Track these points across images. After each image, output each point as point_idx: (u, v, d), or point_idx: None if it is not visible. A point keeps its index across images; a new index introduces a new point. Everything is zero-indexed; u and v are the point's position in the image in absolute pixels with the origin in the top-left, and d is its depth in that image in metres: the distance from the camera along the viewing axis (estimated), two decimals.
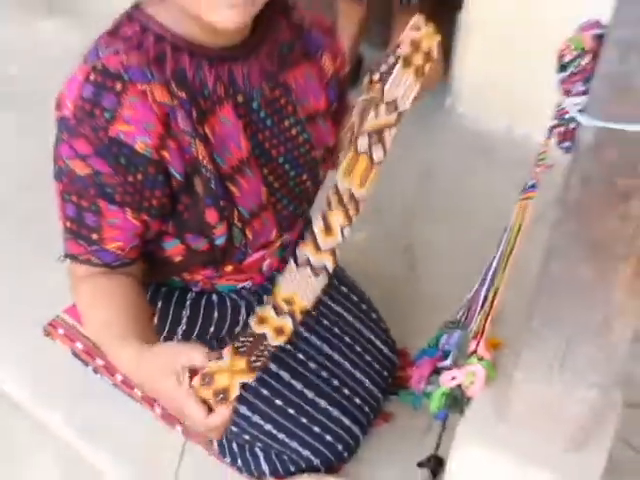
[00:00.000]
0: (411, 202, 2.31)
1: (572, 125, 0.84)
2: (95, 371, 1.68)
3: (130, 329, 1.11)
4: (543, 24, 2.18)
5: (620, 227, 0.83)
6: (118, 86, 1.06)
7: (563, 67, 0.80)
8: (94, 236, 1.13)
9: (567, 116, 0.84)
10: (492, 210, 1.14)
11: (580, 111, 0.80)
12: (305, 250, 1.10)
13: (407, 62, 1.15)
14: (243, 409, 1.37)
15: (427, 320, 1.31)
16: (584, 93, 0.80)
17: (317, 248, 1.10)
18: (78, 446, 1.60)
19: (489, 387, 1.17)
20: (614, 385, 1.03)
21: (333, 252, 1.11)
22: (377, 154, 1.12)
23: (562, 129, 0.85)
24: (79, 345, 1.72)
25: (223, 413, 1.01)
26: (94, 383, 1.68)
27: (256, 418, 1.37)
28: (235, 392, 1.02)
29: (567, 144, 0.86)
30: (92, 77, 1.06)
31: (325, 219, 1.10)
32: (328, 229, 1.10)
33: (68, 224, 1.15)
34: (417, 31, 1.19)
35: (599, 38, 0.77)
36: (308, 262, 1.10)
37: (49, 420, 1.65)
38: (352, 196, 1.11)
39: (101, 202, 1.10)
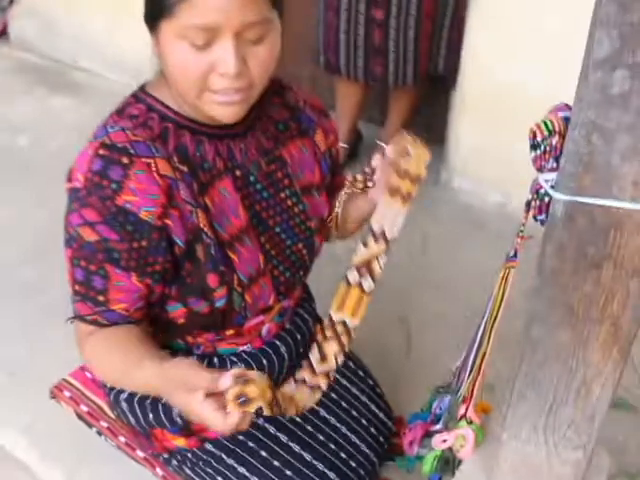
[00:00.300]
0: (406, 274, 2.38)
1: (546, 199, 0.91)
2: (99, 433, 1.71)
3: (146, 356, 1.19)
4: (536, 101, 2.30)
5: (593, 293, 0.90)
6: (125, 159, 1.15)
7: (535, 146, 0.89)
8: (101, 298, 1.20)
9: (541, 191, 0.91)
10: (484, 283, 1.20)
11: (552, 186, 0.88)
12: (302, 373, 1.19)
13: (394, 191, 1.17)
14: (242, 470, 1.40)
15: (423, 388, 1.37)
16: (555, 169, 0.88)
17: (313, 372, 1.19)
18: None
19: (479, 448, 1.21)
20: (594, 447, 1.07)
21: (327, 375, 1.20)
22: (367, 284, 1.18)
23: (537, 203, 0.93)
24: (84, 408, 1.76)
25: (240, 416, 1.04)
26: (98, 445, 1.71)
27: (255, 479, 1.41)
28: (258, 403, 1.04)
29: (542, 217, 0.94)
30: (101, 152, 1.16)
31: (320, 349, 1.19)
32: (323, 358, 1.19)
33: (77, 287, 1.21)
34: (405, 156, 1.17)
35: (567, 120, 0.86)
36: (304, 382, 1.19)
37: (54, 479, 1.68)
38: (345, 326, 1.19)
39: (108, 266, 1.17)
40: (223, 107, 1.15)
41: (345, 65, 2.64)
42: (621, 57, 0.75)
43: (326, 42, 2.65)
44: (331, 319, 1.18)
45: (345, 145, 2.93)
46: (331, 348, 1.19)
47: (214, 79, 1.12)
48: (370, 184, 1.28)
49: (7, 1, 3.94)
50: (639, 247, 0.84)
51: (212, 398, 1.03)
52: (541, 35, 2.32)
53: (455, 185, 2.83)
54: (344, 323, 1.18)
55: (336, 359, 1.19)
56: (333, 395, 1.55)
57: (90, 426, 1.74)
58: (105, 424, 1.72)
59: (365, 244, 1.17)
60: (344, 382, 1.58)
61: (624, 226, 0.83)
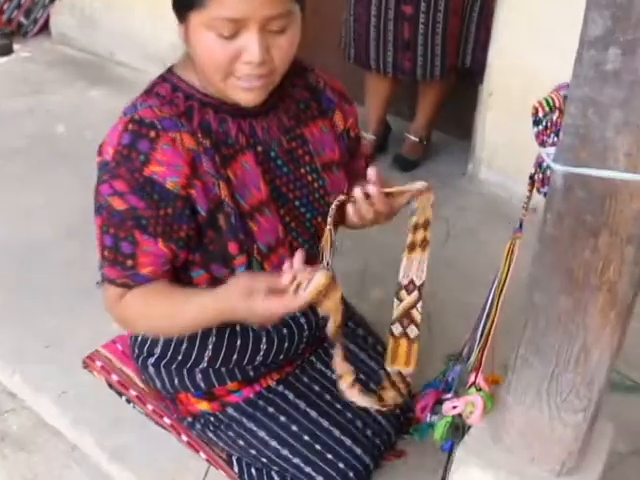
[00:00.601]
0: (430, 259, 2.43)
1: (548, 172, 0.98)
2: (128, 401, 1.81)
3: (191, 292, 1.33)
4: None
5: (591, 259, 0.96)
6: (152, 134, 1.24)
7: (537, 122, 0.95)
8: (129, 262, 1.29)
9: (543, 165, 0.98)
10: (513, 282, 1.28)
11: (552, 159, 0.94)
12: None
13: (411, 247, 1.31)
14: (262, 434, 1.49)
15: (440, 367, 1.42)
16: (556, 144, 0.94)
17: None
18: (108, 467, 1.72)
19: (488, 415, 1.27)
20: (595, 412, 1.13)
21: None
22: (412, 332, 1.33)
23: (540, 176, 0.99)
24: (114, 377, 1.86)
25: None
26: (127, 412, 1.80)
27: (274, 443, 1.48)
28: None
29: (545, 189, 1.00)
30: (130, 127, 1.25)
31: (380, 397, 1.35)
32: (382, 404, 1.35)
33: (106, 253, 1.31)
34: (414, 215, 1.29)
35: (566, 97, 0.91)
36: None
37: (84, 444, 1.78)
38: (401, 376, 1.35)
39: (136, 233, 1.27)
40: (245, 92, 1.24)
41: (375, 59, 2.71)
42: (613, 36, 0.81)
43: (356, 36, 2.71)
44: (387, 372, 1.35)
45: (374, 137, 3.00)
46: (391, 396, 1.36)
47: (239, 66, 1.21)
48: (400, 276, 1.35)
49: None
50: (633, 215, 0.90)
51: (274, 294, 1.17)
52: (568, 30, 2.36)
53: (482, 177, 2.87)
54: (399, 373, 1.35)
55: (395, 403, 1.37)
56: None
57: (120, 394, 1.84)
58: (134, 392, 1.82)
59: (399, 299, 1.31)
60: (363, 356, 1.65)
61: (618, 195, 0.89)
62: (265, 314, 1.20)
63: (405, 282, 1.31)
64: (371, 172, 1.27)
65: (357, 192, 1.26)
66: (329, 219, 1.26)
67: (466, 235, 2.60)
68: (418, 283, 1.31)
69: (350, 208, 1.29)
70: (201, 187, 1.28)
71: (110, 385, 1.86)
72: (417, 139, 3.00)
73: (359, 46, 2.72)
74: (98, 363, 1.90)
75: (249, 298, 1.18)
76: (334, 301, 1.19)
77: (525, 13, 2.50)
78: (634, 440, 1.76)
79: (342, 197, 1.28)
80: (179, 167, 1.25)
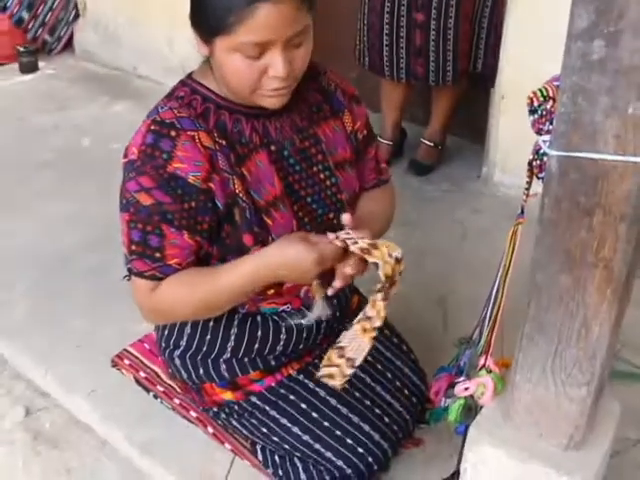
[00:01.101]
0: (446, 260, 2.50)
1: (545, 158, 1.04)
2: (155, 397, 1.89)
3: (225, 266, 1.41)
4: None
5: (587, 239, 1.02)
6: (173, 133, 1.34)
7: (533, 111, 1.02)
8: (157, 254, 1.37)
9: (540, 151, 1.04)
10: (520, 268, 1.33)
11: (548, 145, 1.01)
12: None
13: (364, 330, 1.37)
14: (284, 421, 1.56)
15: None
16: (551, 131, 1.01)
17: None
18: (138, 461, 1.79)
19: (499, 396, 1.33)
20: (602, 385, 1.18)
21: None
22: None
23: (538, 162, 1.06)
24: (142, 374, 1.94)
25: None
26: (154, 407, 1.88)
27: (296, 429, 1.55)
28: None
29: (543, 175, 1.06)
30: (152, 127, 1.35)
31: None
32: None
33: (133, 247, 1.39)
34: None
35: (559, 87, 0.98)
36: None
37: (114, 439, 1.85)
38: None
39: (164, 226, 1.35)
40: (271, 99, 1.35)
41: (388, 66, 2.79)
42: (597, 28, 0.88)
43: (370, 44, 2.80)
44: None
45: (390, 143, 3.07)
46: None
47: (265, 80, 1.31)
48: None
49: (72, 15, 4.21)
50: (624, 194, 0.96)
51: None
52: None
53: (496, 179, 2.93)
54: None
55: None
56: (369, 358, 1.67)
57: (148, 391, 1.91)
58: (161, 388, 1.89)
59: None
60: (380, 347, 1.72)
61: (610, 176, 0.96)
62: (316, 257, 1.32)
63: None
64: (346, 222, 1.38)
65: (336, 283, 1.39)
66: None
67: (481, 236, 2.66)
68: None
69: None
70: (219, 181, 1.37)
71: (138, 382, 1.94)
72: (432, 144, 3.07)
73: (373, 54, 2.80)
74: (126, 361, 1.99)
75: (299, 245, 1.33)
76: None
77: (533, 17, 2.57)
78: None
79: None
80: (199, 163, 1.34)
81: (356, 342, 1.37)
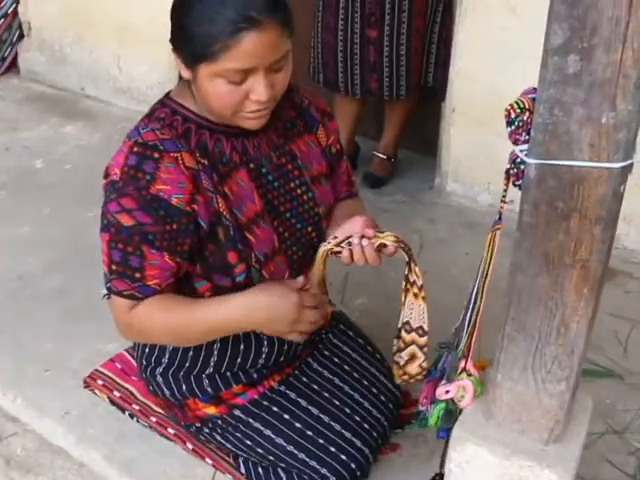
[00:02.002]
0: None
1: (522, 167, 1.10)
2: (131, 416, 1.89)
3: (206, 301, 1.46)
4: None
5: (564, 241, 1.09)
6: (156, 155, 1.36)
7: (510, 123, 1.08)
8: (137, 275, 1.39)
9: (517, 160, 1.10)
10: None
11: (526, 155, 1.07)
12: None
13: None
14: (268, 432, 1.58)
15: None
16: (527, 141, 1.07)
17: None
18: None
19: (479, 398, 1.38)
20: (578, 380, 1.25)
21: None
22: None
23: (515, 171, 1.12)
24: (116, 393, 1.93)
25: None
26: (131, 426, 1.88)
27: (280, 440, 1.57)
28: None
29: (520, 182, 1.12)
30: (135, 149, 1.37)
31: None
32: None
33: (114, 267, 1.40)
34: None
35: (534, 99, 1.05)
36: None
37: (92, 460, 1.84)
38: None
39: (144, 247, 1.37)
40: (252, 121, 1.39)
41: (343, 82, 2.85)
42: (572, 44, 0.95)
43: (324, 61, 2.85)
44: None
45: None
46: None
47: (248, 103, 1.35)
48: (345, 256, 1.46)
49: (17, 35, 4.15)
50: (599, 198, 1.03)
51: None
52: (520, 47, 2.52)
53: (448, 189, 3.02)
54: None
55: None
56: (346, 367, 1.73)
57: (123, 410, 1.91)
58: (137, 407, 1.89)
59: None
60: (355, 355, 1.76)
61: (585, 181, 1.02)
62: (299, 315, 1.41)
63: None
64: (363, 224, 1.42)
65: (355, 246, 1.40)
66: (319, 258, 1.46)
67: (439, 245, 2.74)
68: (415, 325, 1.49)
69: (346, 254, 1.42)
70: (203, 202, 1.39)
71: (112, 402, 1.93)
72: (385, 157, 3.14)
73: (327, 70, 2.85)
74: (99, 382, 1.98)
75: (283, 299, 1.39)
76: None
77: (481, 33, 2.68)
78: (609, 420, 1.89)
79: (330, 244, 1.44)
80: (183, 184, 1.36)
81: (415, 310, 1.46)
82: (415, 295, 1.46)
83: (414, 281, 1.45)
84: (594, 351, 2.04)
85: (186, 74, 1.36)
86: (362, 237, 1.40)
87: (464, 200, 2.99)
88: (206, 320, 1.42)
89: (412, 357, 1.49)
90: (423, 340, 1.48)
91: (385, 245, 1.42)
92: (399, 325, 1.49)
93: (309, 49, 2.92)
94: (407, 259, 1.44)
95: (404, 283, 1.46)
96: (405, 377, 1.53)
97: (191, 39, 1.30)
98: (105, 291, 1.48)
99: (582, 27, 0.93)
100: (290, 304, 1.39)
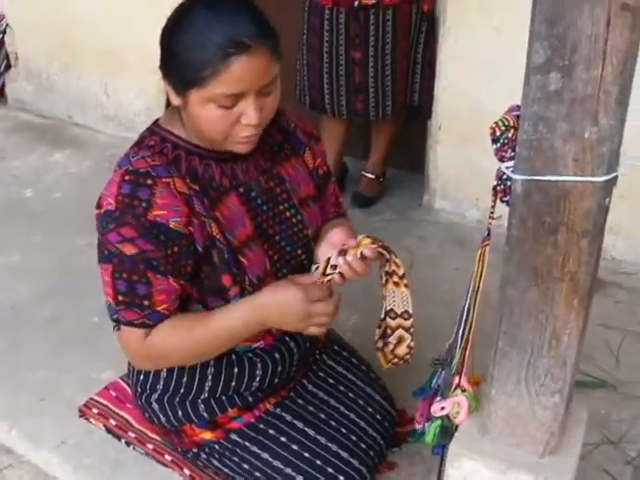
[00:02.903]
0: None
1: (508, 183, 1.12)
2: (128, 443, 1.88)
3: (218, 311, 1.46)
4: None
5: (552, 255, 1.10)
6: (149, 181, 1.37)
7: (496, 140, 1.10)
8: (146, 302, 1.39)
9: (504, 177, 1.12)
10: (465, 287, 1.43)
11: (512, 171, 1.09)
12: None
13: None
14: (265, 455, 1.57)
15: (420, 383, 1.54)
16: (513, 158, 1.09)
17: None
18: None
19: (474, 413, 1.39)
20: (572, 391, 1.26)
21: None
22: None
23: (502, 187, 1.14)
24: (112, 422, 1.93)
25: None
26: (128, 454, 1.87)
27: (277, 463, 1.56)
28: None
29: (507, 198, 1.14)
30: (127, 177, 1.38)
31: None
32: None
33: (120, 297, 1.40)
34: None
35: (518, 117, 1.07)
36: None
37: None
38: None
39: (150, 273, 1.37)
40: (242, 145, 1.41)
41: (329, 103, 2.87)
42: (553, 62, 0.97)
43: (310, 83, 2.88)
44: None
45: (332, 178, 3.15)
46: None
47: (239, 128, 1.37)
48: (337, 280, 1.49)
49: (3, 66, 4.17)
50: (584, 212, 1.05)
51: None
52: (503, 66, 2.56)
53: (437, 206, 3.05)
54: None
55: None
56: (341, 387, 1.73)
57: (119, 438, 1.90)
58: (133, 434, 1.89)
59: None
60: (350, 376, 1.77)
61: (571, 196, 1.04)
62: (306, 308, 1.41)
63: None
64: (340, 238, 1.47)
65: (343, 267, 1.43)
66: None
67: (429, 262, 2.75)
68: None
69: (337, 278, 1.45)
70: (198, 225, 1.40)
71: (108, 430, 1.92)
72: (373, 176, 3.16)
73: (314, 92, 2.88)
74: (94, 410, 1.97)
75: (292, 295, 1.40)
76: None
77: (463, 52, 2.71)
78: (603, 431, 1.90)
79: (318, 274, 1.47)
80: (178, 208, 1.37)
81: (397, 297, 1.50)
82: (396, 284, 1.49)
83: (393, 271, 1.47)
84: (586, 362, 2.06)
85: (176, 101, 1.37)
86: (340, 252, 1.42)
87: (453, 217, 3.01)
88: (226, 328, 1.44)
89: (400, 340, 1.53)
90: (409, 323, 1.52)
91: (365, 253, 1.44)
92: (382, 315, 1.52)
93: (295, 72, 2.94)
94: (387, 256, 1.46)
95: (382, 277, 1.49)
96: (395, 360, 1.56)
97: (181, 65, 1.31)
98: (96, 319, 1.48)
99: (562, 45, 0.95)
100: (296, 300, 1.40)
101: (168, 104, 1.45)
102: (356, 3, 2.67)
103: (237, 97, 1.31)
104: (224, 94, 1.30)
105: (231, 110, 1.33)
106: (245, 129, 1.36)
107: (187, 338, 1.43)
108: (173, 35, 1.33)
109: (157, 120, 1.50)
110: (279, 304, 1.41)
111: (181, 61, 1.31)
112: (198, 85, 1.30)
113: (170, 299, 1.41)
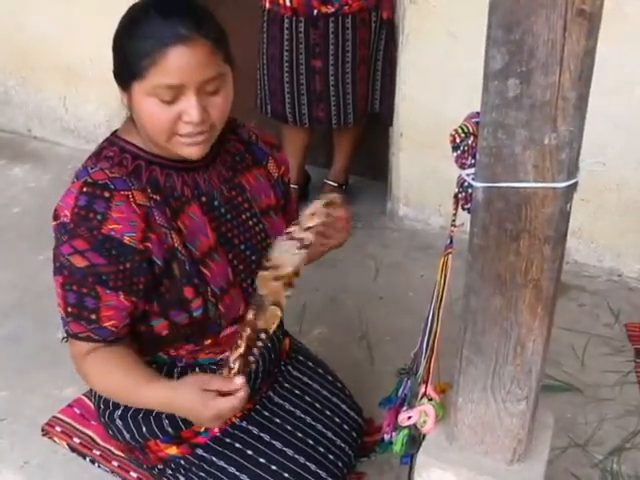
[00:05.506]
0: (363, 296, 2.57)
1: (470, 190, 1.12)
2: (92, 461, 1.84)
3: (147, 375, 1.41)
4: None
5: (515, 262, 1.10)
6: (106, 194, 1.35)
7: (456, 148, 1.09)
8: (93, 316, 1.37)
9: (465, 184, 1.12)
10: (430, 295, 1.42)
11: (473, 178, 1.09)
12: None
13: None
14: (232, 469, 1.54)
15: (387, 392, 1.53)
16: (474, 165, 1.09)
17: None
18: None
19: (441, 422, 1.38)
20: (537, 398, 1.26)
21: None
22: None
23: (463, 195, 1.13)
24: (76, 440, 1.89)
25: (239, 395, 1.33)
26: (92, 472, 1.83)
27: (244, 477, 1.53)
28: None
29: (468, 206, 1.14)
30: (85, 189, 1.36)
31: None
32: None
33: (69, 309, 1.38)
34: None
35: (478, 123, 1.06)
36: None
37: None
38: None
39: (99, 288, 1.35)
40: (189, 147, 1.37)
41: (291, 112, 2.86)
42: (511, 68, 0.96)
43: (271, 93, 2.86)
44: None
45: (296, 186, 3.13)
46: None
47: (181, 125, 1.34)
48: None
49: None
50: (546, 218, 1.05)
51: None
52: (461, 73, 2.57)
53: (401, 213, 3.04)
54: None
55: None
56: (307, 398, 1.71)
57: (84, 456, 1.87)
58: (98, 452, 1.85)
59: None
60: (315, 386, 1.75)
61: (532, 202, 1.04)
62: (213, 413, 1.34)
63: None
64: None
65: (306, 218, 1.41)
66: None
67: (394, 269, 2.76)
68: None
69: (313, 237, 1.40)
70: (156, 239, 1.38)
71: (72, 448, 1.88)
72: (336, 184, 3.15)
73: (275, 102, 2.86)
74: (58, 428, 1.93)
75: (201, 396, 1.34)
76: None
77: (423, 59, 2.72)
78: (570, 434, 1.91)
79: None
80: (134, 223, 1.34)
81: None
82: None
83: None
84: (552, 366, 2.07)
85: (124, 99, 1.36)
86: (285, 234, 1.40)
87: (416, 223, 3.02)
88: (138, 397, 1.44)
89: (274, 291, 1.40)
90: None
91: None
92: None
93: (254, 82, 2.93)
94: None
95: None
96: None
97: (124, 59, 1.32)
98: (59, 335, 1.47)
99: (520, 51, 0.95)
100: (204, 416, 1.36)
101: (129, 116, 1.43)
102: (315, 12, 2.67)
103: (177, 91, 1.29)
104: (163, 85, 1.28)
105: (172, 105, 1.31)
106: (187, 127, 1.33)
107: (105, 377, 1.44)
108: (119, 32, 1.35)
109: (115, 131, 1.48)
110: (188, 411, 1.38)
111: (124, 55, 1.32)
112: (138, 76, 1.29)
113: (119, 315, 1.39)
